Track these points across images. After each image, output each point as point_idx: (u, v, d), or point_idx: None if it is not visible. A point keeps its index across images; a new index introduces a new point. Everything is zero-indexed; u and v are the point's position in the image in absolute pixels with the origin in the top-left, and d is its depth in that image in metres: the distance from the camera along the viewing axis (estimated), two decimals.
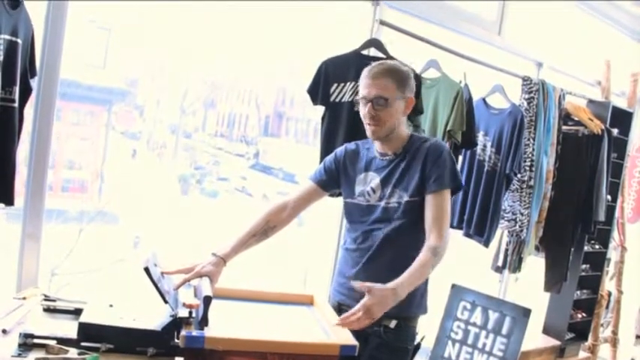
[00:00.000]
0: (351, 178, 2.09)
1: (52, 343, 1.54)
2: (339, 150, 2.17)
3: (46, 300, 1.86)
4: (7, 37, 1.82)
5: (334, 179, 2.13)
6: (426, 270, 1.86)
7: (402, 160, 2.01)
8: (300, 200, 2.12)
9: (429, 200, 1.94)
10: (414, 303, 2.00)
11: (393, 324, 1.98)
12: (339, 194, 2.24)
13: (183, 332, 1.56)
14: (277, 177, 9.26)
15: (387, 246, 1.99)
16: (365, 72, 2.00)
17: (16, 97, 1.89)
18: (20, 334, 1.55)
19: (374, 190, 2.03)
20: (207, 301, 1.63)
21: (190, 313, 1.66)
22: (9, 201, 1.94)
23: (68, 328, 1.62)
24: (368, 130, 1.99)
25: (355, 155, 2.13)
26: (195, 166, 9.16)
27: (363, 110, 1.97)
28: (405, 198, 1.97)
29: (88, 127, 6.95)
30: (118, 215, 6.93)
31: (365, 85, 1.97)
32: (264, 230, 2.02)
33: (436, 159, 1.96)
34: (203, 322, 1.62)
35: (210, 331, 1.59)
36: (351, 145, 2.16)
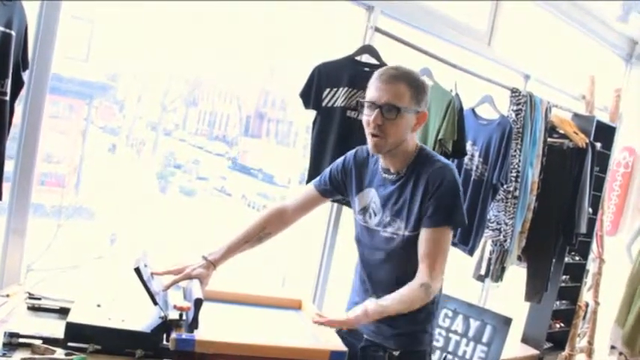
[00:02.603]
0: (356, 191, 1.93)
1: (38, 342, 1.50)
2: (349, 156, 1.97)
3: (30, 298, 1.82)
4: (1, 28, 1.78)
5: (339, 188, 1.97)
6: (412, 306, 1.71)
7: (405, 182, 1.80)
8: (300, 207, 2.00)
9: (424, 234, 1.75)
10: (419, 339, 1.91)
11: (397, 352, 1.87)
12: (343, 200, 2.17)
13: (173, 335, 1.54)
14: (257, 178, 9.23)
15: (392, 283, 1.81)
16: (377, 74, 1.76)
17: (8, 90, 1.84)
18: (5, 333, 1.50)
19: (375, 213, 1.87)
20: (198, 303, 1.61)
21: (181, 315, 1.64)
22: None
23: (54, 328, 1.58)
24: (370, 142, 1.75)
25: (364, 164, 1.93)
26: (174, 165, 9.09)
27: (368, 116, 1.73)
28: (404, 232, 1.80)
29: (67, 120, 6.87)
30: (95, 211, 6.85)
31: (376, 88, 1.72)
32: (259, 237, 1.92)
33: (434, 191, 1.74)
34: (193, 324, 1.60)
35: (200, 334, 1.57)
36: (363, 153, 1.94)
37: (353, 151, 1.97)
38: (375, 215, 1.87)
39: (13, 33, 1.83)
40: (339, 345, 1.71)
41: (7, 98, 1.85)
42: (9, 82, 1.84)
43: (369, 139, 1.76)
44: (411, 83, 1.73)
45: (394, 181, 1.82)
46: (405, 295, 1.70)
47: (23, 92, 2.01)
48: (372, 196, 1.88)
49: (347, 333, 1.92)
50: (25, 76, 1.97)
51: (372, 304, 1.66)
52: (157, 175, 8.63)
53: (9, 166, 2.07)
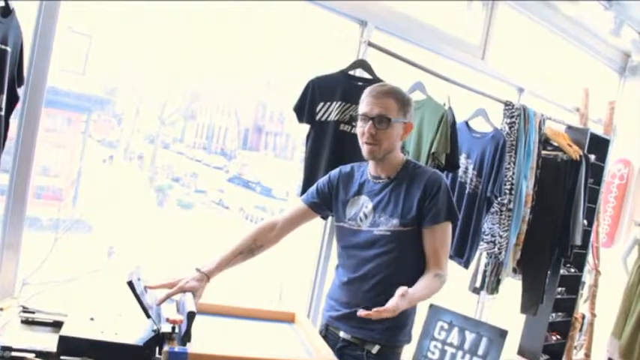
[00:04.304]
0: (343, 201, 2.05)
1: (31, 356, 1.51)
2: (334, 172, 2.13)
3: (24, 311, 1.82)
4: None
5: (326, 202, 2.10)
6: (431, 294, 1.89)
7: (396, 185, 1.97)
8: (290, 221, 2.10)
9: (427, 234, 1.93)
10: (403, 331, 2.02)
11: (375, 349, 1.96)
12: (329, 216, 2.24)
13: (166, 348, 1.54)
14: (255, 191, 9.23)
15: (382, 277, 1.94)
16: (367, 91, 1.98)
17: (3, 105, 1.87)
18: None
19: (366, 216, 1.99)
20: (190, 316, 1.62)
21: (173, 328, 1.64)
22: None
23: (47, 341, 1.59)
24: (365, 149, 1.95)
25: (349, 178, 2.09)
26: (172, 178, 9.08)
27: (362, 128, 1.94)
28: (398, 227, 1.93)
29: (64, 134, 6.86)
30: (92, 224, 6.83)
31: (367, 103, 1.94)
32: (251, 249, 2.00)
33: (435, 194, 1.92)
34: (186, 337, 1.61)
35: (192, 348, 1.57)
36: (346, 168, 2.13)
37: (337, 169, 2.15)
38: (367, 218, 1.99)
39: (9, 49, 1.85)
40: (331, 358, 1.72)
41: (2, 113, 1.87)
42: (4, 97, 1.86)
43: (364, 148, 1.96)
44: (397, 98, 1.95)
45: (385, 185, 1.99)
46: (426, 285, 1.87)
47: (19, 106, 2.03)
48: (363, 201, 2.02)
49: (325, 336, 2.01)
50: (21, 91, 1.99)
51: (404, 291, 1.72)
52: (154, 188, 8.63)
53: (4, 179, 2.09)
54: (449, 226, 1.96)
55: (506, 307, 3.98)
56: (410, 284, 1.86)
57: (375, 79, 2.71)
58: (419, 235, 1.95)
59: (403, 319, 1.99)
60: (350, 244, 2.03)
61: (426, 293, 1.87)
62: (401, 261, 1.94)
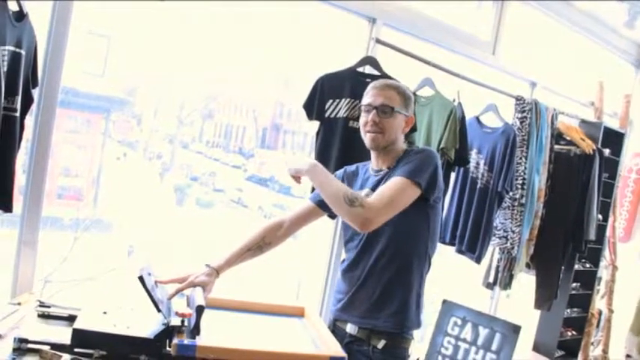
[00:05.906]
0: None
1: (46, 348, 1.56)
2: (339, 172, 2.19)
3: (40, 306, 1.88)
4: (11, 48, 1.86)
5: None
6: (335, 194, 1.82)
7: (393, 170, 1.97)
8: (298, 219, 2.13)
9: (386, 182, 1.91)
10: (408, 318, 1.99)
11: (381, 344, 1.96)
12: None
13: (175, 340, 1.58)
14: (273, 189, 9.27)
15: (383, 262, 1.96)
16: (371, 85, 2.04)
17: (18, 106, 1.92)
18: (14, 338, 1.57)
19: None
20: (199, 310, 1.66)
21: (183, 321, 1.69)
22: (8, 208, 1.97)
23: (62, 334, 1.64)
24: (368, 138, 1.99)
25: (353, 176, 2.13)
26: (191, 177, 9.17)
27: (365, 118, 1.99)
28: None
29: (85, 134, 6.97)
30: (112, 224, 6.92)
31: (371, 95, 2.00)
32: (259, 246, 2.04)
33: (412, 156, 1.95)
34: (195, 331, 1.65)
35: (201, 340, 1.62)
36: (351, 167, 2.17)
37: (342, 168, 2.20)
38: None
39: (23, 52, 1.91)
40: (338, 351, 1.74)
41: (18, 114, 1.93)
42: (19, 98, 1.92)
43: (367, 137, 2.00)
44: (399, 91, 2.02)
45: (385, 175, 1.99)
46: (338, 184, 1.88)
47: (34, 107, 2.09)
48: (364, 194, 1.97)
49: (333, 332, 2.00)
50: (35, 92, 2.05)
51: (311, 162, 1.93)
52: (173, 187, 8.72)
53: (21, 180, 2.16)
54: (409, 185, 1.85)
55: (522, 302, 3.97)
56: (404, 269, 1.95)
57: (383, 76, 2.73)
58: (412, 217, 1.91)
59: (408, 302, 1.98)
60: (353, 235, 2.05)
61: (332, 187, 1.85)
62: (405, 242, 1.96)
